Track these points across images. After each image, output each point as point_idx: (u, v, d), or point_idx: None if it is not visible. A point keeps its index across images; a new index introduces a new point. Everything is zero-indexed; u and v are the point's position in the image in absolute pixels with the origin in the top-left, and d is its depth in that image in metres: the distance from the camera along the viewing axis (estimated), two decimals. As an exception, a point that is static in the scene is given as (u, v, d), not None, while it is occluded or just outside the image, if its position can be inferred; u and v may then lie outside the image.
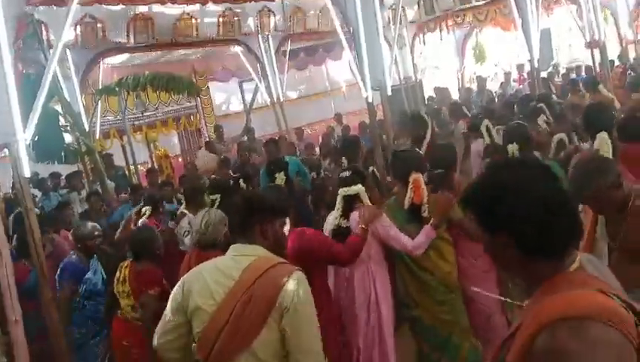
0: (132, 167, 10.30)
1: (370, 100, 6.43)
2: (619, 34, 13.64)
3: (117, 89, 8.86)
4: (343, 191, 3.84)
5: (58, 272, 4.64)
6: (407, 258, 3.89)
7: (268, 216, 2.37)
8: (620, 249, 2.70)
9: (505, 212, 1.41)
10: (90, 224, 4.95)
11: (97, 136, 9.36)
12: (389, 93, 6.56)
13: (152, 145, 12.76)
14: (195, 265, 2.76)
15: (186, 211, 5.37)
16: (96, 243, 4.78)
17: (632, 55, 13.56)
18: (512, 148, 4.17)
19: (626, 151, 3.89)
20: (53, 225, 6.00)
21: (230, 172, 8.05)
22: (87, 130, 8.38)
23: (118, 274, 4.13)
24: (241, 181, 5.81)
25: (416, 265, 3.88)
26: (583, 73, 12.65)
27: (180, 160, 13.66)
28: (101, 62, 9.50)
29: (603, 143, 3.95)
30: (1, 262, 3.49)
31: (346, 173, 3.96)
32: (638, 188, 2.73)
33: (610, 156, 3.79)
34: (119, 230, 5.46)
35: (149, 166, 12.22)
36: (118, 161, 10.68)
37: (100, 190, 7.79)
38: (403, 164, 4.00)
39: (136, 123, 12.34)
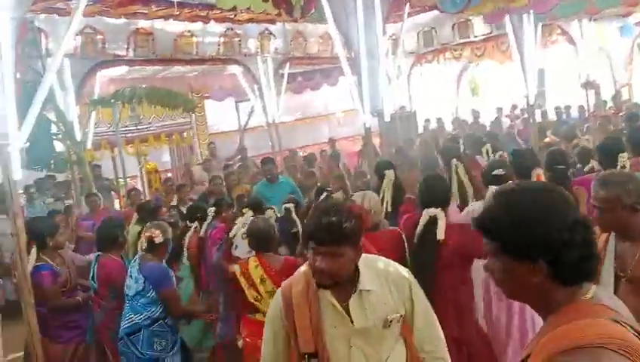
0: (121, 180, 10.19)
1: (367, 126, 6.42)
2: (613, 76, 13.83)
3: (112, 100, 8.81)
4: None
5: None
6: None
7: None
8: (629, 279, 2.61)
9: (545, 240, 1.37)
10: None
11: (89, 147, 9.24)
12: (388, 119, 6.56)
13: (142, 158, 12.66)
14: (367, 242, 2.95)
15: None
16: None
17: (624, 97, 13.75)
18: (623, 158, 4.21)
19: None
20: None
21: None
22: (78, 140, 8.28)
23: (245, 279, 3.68)
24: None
25: None
26: (577, 113, 12.82)
27: (169, 175, 13.56)
28: (98, 74, 9.43)
29: None
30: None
31: (500, 171, 3.95)
32: None
33: None
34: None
35: (139, 179, 12.18)
36: (108, 172, 10.59)
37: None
38: (525, 160, 4.23)
39: (128, 135, 12.24)
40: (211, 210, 5.57)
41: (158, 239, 4.13)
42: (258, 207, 5.80)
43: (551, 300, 1.42)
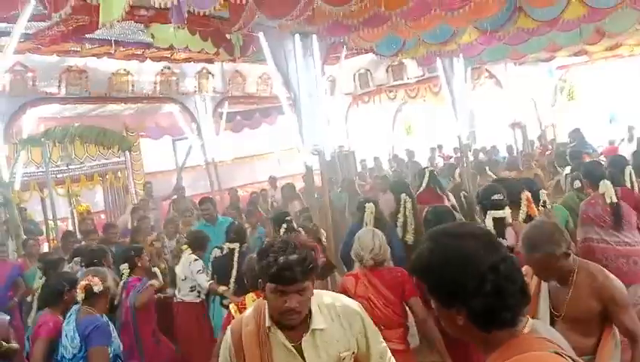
0: (51, 222, 9.73)
1: (309, 165, 6.47)
2: (538, 117, 14.61)
3: (42, 139, 8.47)
4: (494, 214, 3.99)
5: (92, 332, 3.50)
6: None
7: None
8: (564, 318, 2.73)
9: (456, 287, 1.40)
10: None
11: (17, 188, 8.79)
12: (328, 158, 6.64)
13: (73, 200, 12.16)
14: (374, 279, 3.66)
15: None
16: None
17: (549, 137, 14.52)
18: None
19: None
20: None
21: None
22: (6, 180, 7.88)
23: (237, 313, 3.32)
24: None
25: None
26: (505, 153, 13.40)
27: (102, 216, 13.05)
28: (28, 112, 9.07)
29: (608, 188, 4.55)
30: None
31: (498, 196, 4.06)
32: (584, 262, 2.81)
33: (614, 198, 4.46)
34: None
35: (70, 221, 11.64)
36: (37, 215, 10.09)
37: (15, 245, 7.30)
38: (513, 186, 4.41)
39: (59, 176, 11.75)
40: (125, 267, 5.14)
41: (98, 288, 3.55)
42: (198, 246, 5.70)
43: (483, 341, 1.44)
